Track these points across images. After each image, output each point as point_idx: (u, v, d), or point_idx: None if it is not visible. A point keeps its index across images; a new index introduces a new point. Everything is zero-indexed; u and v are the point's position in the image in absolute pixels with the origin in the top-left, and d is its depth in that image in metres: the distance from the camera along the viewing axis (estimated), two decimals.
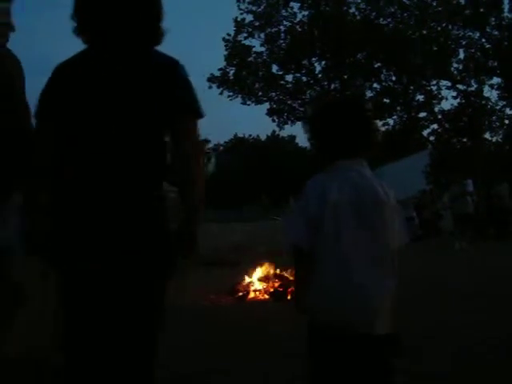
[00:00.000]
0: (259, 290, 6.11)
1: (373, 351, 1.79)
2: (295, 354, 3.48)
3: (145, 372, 1.76)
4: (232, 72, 27.27)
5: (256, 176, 33.73)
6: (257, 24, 26.44)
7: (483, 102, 25.11)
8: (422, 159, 23.40)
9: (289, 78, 27.79)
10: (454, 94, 25.63)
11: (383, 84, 27.29)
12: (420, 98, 27.13)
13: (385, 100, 26.64)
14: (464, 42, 25.63)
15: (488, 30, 24.98)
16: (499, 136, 26.64)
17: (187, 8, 76.93)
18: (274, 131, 37.34)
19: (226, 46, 26.84)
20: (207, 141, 40.01)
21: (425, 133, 27.41)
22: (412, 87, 26.93)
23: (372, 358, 1.79)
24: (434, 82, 26.49)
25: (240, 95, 27.51)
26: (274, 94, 28.00)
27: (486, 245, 12.24)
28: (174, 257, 1.79)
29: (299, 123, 28.90)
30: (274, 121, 28.35)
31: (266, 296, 5.99)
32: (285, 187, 24.47)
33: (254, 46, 26.94)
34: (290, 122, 28.49)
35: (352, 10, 26.57)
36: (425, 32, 25.50)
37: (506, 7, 24.08)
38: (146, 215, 1.72)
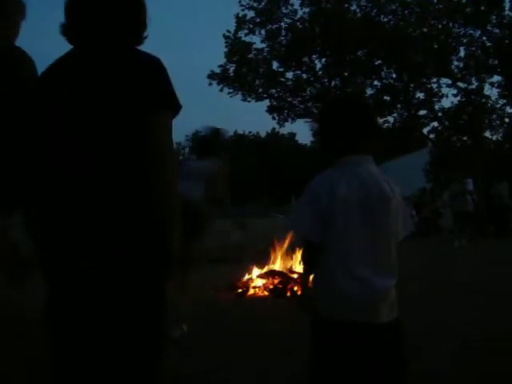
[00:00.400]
0: (259, 287, 6.12)
1: (376, 341, 1.83)
2: (294, 351, 3.50)
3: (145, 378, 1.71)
4: (232, 69, 27.25)
5: (256, 173, 33.71)
6: (258, 20, 26.41)
7: (483, 100, 25.08)
8: (422, 157, 23.43)
9: (289, 75, 27.78)
10: (455, 91, 25.61)
11: (384, 81, 27.26)
12: (420, 95, 27.11)
13: (385, 97, 26.62)
14: (465, 40, 25.59)
15: (489, 28, 24.93)
16: (499, 134, 26.66)
17: (187, 5, 76.83)
18: (273, 128, 37.40)
19: (226, 42, 26.81)
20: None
21: (425, 131, 27.39)
22: (412, 85, 26.90)
23: (376, 348, 1.83)
24: (435, 80, 26.48)
25: (240, 92, 27.49)
26: (274, 90, 27.97)
27: (486, 242, 12.25)
28: (170, 255, 1.69)
29: (299, 120, 28.97)
30: (274, 118, 28.36)
31: (266, 293, 6.00)
32: (285, 185, 24.49)
33: (254, 43, 26.95)
34: (290, 120, 28.50)
35: (353, 8, 26.56)
36: (425, 30, 25.47)
37: (507, 5, 24.05)
38: (135, 215, 1.66)
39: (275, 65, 27.42)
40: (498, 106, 25.69)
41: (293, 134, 41.12)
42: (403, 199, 2.01)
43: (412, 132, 26.89)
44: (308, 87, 27.99)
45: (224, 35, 26.69)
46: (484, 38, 25.23)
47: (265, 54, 27.20)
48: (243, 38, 26.72)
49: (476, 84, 25.40)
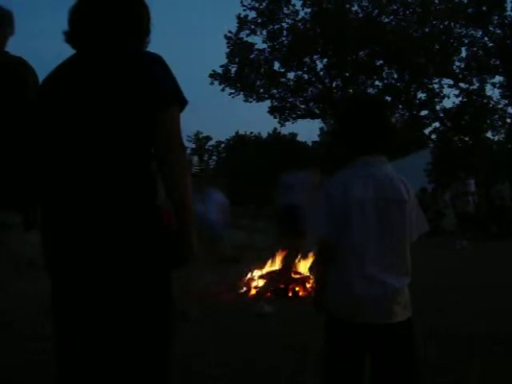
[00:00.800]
0: (260, 287, 6.12)
1: (388, 341, 1.85)
2: (294, 349, 3.53)
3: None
4: (234, 69, 27.28)
5: (257, 173, 33.70)
6: (259, 21, 26.43)
7: (485, 101, 25.07)
8: (424, 157, 23.39)
9: (290, 75, 27.83)
10: (456, 92, 25.65)
11: (385, 82, 27.30)
12: (422, 96, 27.17)
13: (386, 98, 26.64)
14: (466, 41, 25.61)
15: (490, 28, 24.95)
16: (501, 135, 26.67)
17: (189, 4, 76.92)
18: (275, 128, 37.38)
19: (227, 43, 26.85)
20: (209, 138, 40.10)
21: (426, 131, 27.43)
22: (414, 85, 26.93)
23: (388, 348, 1.86)
24: (436, 80, 26.52)
25: (242, 92, 27.52)
26: (275, 91, 28.01)
27: (487, 244, 12.23)
28: (172, 256, 1.72)
29: (300, 121, 28.97)
30: (275, 118, 28.40)
31: (268, 293, 6.00)
32: None
33: (256, 43, 26.98)
34: (291, 120, 28.52)
35: (354, 8, 26.61)
36: (427, 30, 25.48)
37: (509, 5, 24.31)
38: (136, 214, 1.68)
39: (277, 65, 27.50)
40: (499, 106, 25.74)
41: (294, 135, 41.05)
42: None
43: (413, 132, 26.89)
44: (309, 87, 28.03)
45: (225, 36, 26.73)
46: (486, 39, 25.26)
47: (266, 54, 27.23)
48: (245, 39, 26.77)
49: (477, 84, 25.45)
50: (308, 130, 77.67)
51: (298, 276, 6.15)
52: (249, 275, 6.41)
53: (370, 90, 26.67)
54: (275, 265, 6.50)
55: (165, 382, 1.78)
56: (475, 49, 25.36)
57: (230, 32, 26.65)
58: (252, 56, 27.05)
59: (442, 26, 25.63)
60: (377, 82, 27.44)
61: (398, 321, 1.85)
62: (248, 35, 26.66)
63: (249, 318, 4.75)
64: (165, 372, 1.76)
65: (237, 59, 26.97)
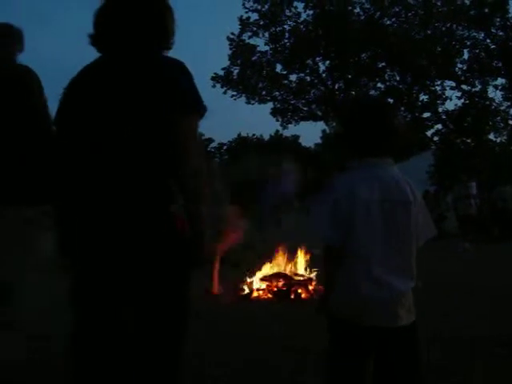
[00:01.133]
0: (262, 289, 6.10)
1: (393, 344, 1.85)
2: (295, 349, 3.53)
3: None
4: (236, 71, 27.28)
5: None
6: (262, 23, 26.45)
7: (487, 103, 25.05)
8: (426, 160, 23.36)
9: (293, 77, 27.83)
10: (459, 94, 25.64)
11: (387, 84, 27.28)
12: (424, 98, 27.14)
13: (389, 100, 26.61)
14: (468, 43, 25.59)
15: (493, 30, 24.92)
16: (503, 137, 26.63)
17: (191, 6, 77.04)
18: (277, 131, 37.40)
19: (230, 45, 26.86)
20: (211, 140, 40.14)
21: (429, 133, 27.40)
22: (416, 87, 26.90)
23: (393, 351, 1.86)
24: (439, 82, 26.49)
25: (244, 94, 27.52)
26: (277, 93, 28.01)
27: (489, 246, 12.21)
28: (188, 258, 1.77)
29: (303, 123, 28.96)
30: (277, 120, 28.39)
31: (270, 295, 5.99)
32: None
33: (258, 46, 27.00)
34: (293, 122, 28.52)
35: (356, 10, 26.59)
36: (429, 32, 25.46)
37: (511, 8, 24.05)
38: (154, 216, 1.71)
39: (279, 67, 27.50)
40: (501, 108, 25.70)
41: (296, 137, 41.09)
42: None
43: (416, 134, 26.87)
44: (312, 89, 28.02)
45: (228, 37, 26.74)
46: (488, 41, 25.24)
47: (268, 56, 27.23)
48: (247, 41, 26.78)
49: (480, 86, 25.40)
50: (311, 133, 77.67)
51: (300, 278, 6.14)
52: (249, 277, 6.39)
53: (373, 92, 26.66)
54: (275, 266, 6.48)
55: (176, 378, 1.82)
56: (477, 51, 25.33)
57: (232, 34, 26.70)
58: (254, 58, 27.06)
59: (444, 28, 25.61)
60: (379, 84, 27.44)
61: (403, 324, 1.85)
62: (250, 37, 26.71)
63: (249, 320, 4.74)
64: (177, 368, 1.82)
65: (239, 61, 26.99)
